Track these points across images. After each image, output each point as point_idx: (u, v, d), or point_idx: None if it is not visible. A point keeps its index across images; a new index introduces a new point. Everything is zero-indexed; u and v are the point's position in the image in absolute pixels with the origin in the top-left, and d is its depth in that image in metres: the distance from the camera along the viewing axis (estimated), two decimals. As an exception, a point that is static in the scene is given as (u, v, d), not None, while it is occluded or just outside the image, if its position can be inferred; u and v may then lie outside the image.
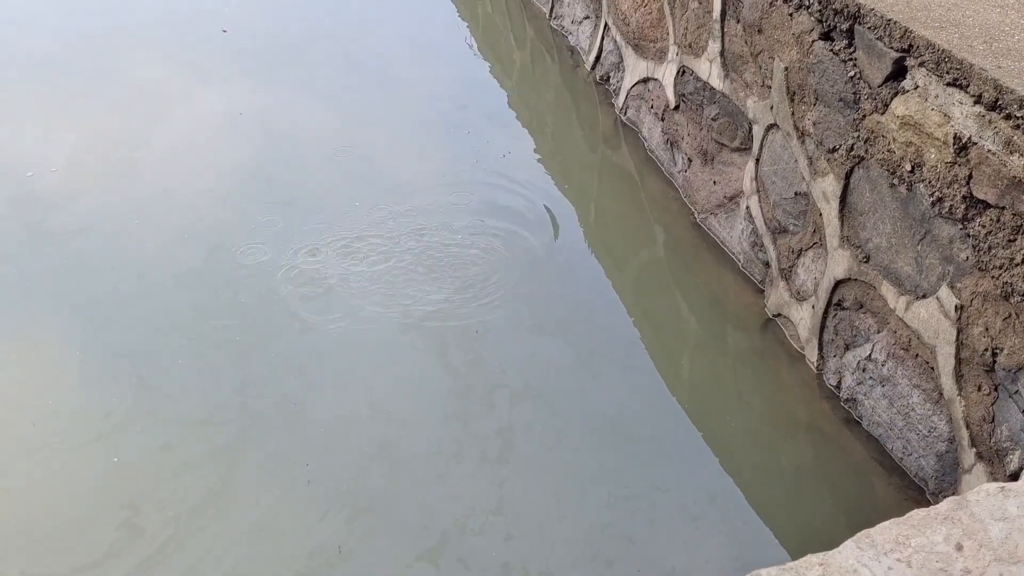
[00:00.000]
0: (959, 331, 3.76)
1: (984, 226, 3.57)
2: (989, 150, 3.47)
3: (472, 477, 4.34)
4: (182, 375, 4.88)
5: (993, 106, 3.44)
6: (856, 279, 4.46)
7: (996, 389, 3.63)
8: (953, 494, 3.90)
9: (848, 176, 4.42)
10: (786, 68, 4.83)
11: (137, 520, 4.13)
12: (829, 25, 4.40)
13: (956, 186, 3.66)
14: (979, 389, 3.71)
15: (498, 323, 5.27)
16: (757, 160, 5.33)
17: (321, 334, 5.16)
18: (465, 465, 4.39)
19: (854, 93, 4.25)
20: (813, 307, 4.81)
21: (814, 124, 4.63)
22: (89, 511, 4.18)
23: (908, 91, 3.90)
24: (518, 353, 5.07)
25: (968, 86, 3.56)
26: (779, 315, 5.18)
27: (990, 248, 3.56)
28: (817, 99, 4.58)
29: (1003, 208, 3.47)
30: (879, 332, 4.35)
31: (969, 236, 3.66)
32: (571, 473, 4.36)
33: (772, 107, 5.06)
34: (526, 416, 4.65)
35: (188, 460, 4.39)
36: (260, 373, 4.88)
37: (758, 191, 5.34)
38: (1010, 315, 3.50)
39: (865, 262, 4.37)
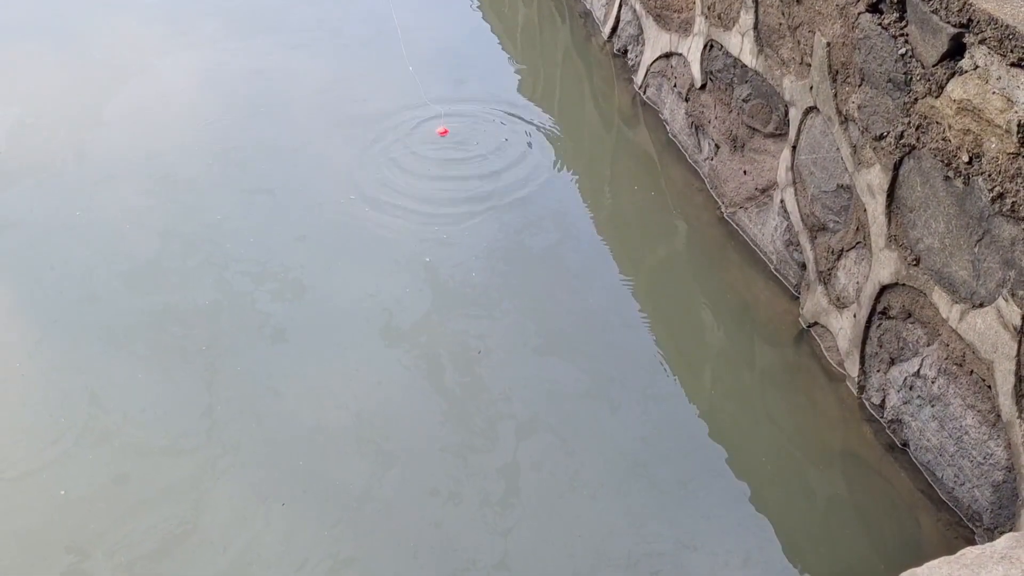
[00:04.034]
0: (1021, 345, 3.75)
1: (1051, 227, 3.57)
2: (1058, 140, 3.46)
3: (472, 524, 4.28)
4: (140, 393, 4.82)
5: (1063, 90, 3.44)
6: (904, 284, 4.45)
7: (1062, 412, 3.63)
8: (1011, 530, 3.89)
9: (897, 167, 4.41)
10: (828, 44, 4.83)
11: (85, 567, 4.07)
12: (878, -5, 4.40)
13: (1020, 180, 3.65)
14: (1042, 412, 3.71)
15: (500, 339, 5.23)
16: (794, 148, 5.33)
17: (296, 344, 5.13)
18: (464, 509, 4.34)
19: (905, 73, 4.24)
20: (855, 316, 4.80)
21: (859, 108, 4.63)
22: (29, 555, 4.11)
23: (967, 72, 3.89)
24: (524, 377, 5.02)
25: (1035, 67, 3.56)
26: (816, 324, 5.17)
27: (1057, 252, 3.56)
28: (863, 79, 4.57)
29: (1073, 206, 3.46)
30: (929, 345, 4.34)
31: (1033, 238, 3.66)
32: (586, 524, 4.30)
33: (812, 88, 5.05)
34: (534, 453, 4.60)
35: (146, 495, 4.34)
36: (229, 393, 4.84)
37: (794, 183, 5.34)
38: (1079, 328, 3.50)
39: (915, 265, 4.37)
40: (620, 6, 7.74)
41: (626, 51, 7.67)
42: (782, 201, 5.46)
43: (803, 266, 5.33)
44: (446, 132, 6.63)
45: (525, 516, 4.31)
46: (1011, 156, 3.67)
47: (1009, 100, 3.66)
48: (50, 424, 4.65)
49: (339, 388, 4.89)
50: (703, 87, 6.39)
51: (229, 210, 6.09)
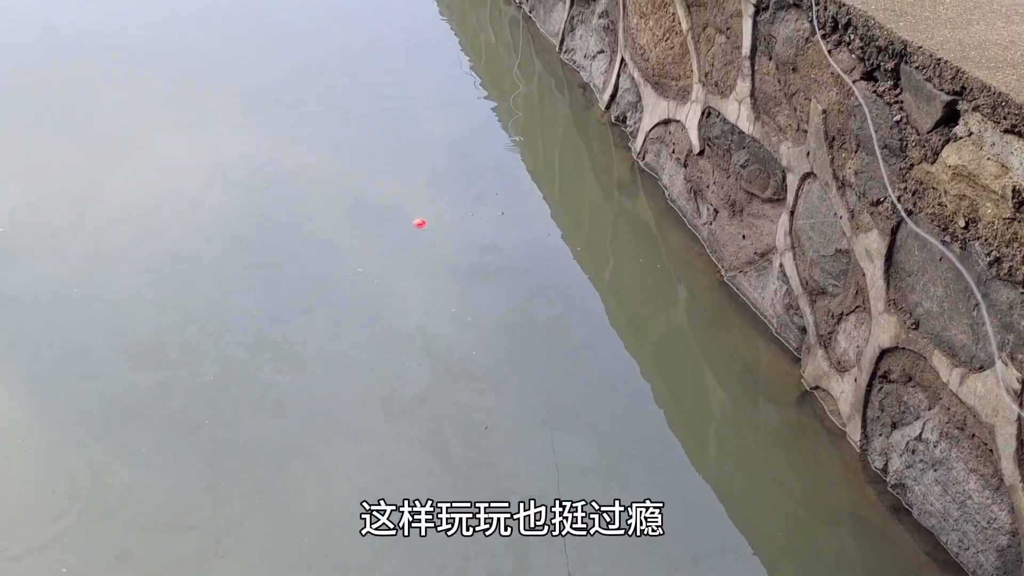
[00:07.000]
0: (1022, 408, 3.75)
1: (1048, 290, 3.58)
2: (1052, 205, 3.49)
3: None
4: (142, 468, 4.77)
5: (1056, 156, 3.47)
6: (904, 348, 4.46)
7: (1064, 475, 3.62)
8: (1017, 596, 3.87)
9: (894, 232, 4.44)
10: (824, 111, 4.88)
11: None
12: (872, 64, 4.45)
13: (1016, 245, 3.67)
14: (1045, 475, 3.70)
15: (505, 413, 5.19)
16: (792, 212, 5.36)
17: (298, 419, 5.10)
18: None
19: (900, 140, 4.28)
20: (856, 379, 4.80)
21: (856, 173, 4.66)
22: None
23: (961, 138, 3.92)
24: (531, 451, 4.96)
25: (1028, 134, 3.59)
26: (817, 388, 5.17)
27: (1055, 315, 3.57)
28: (859, 146, 4.61)
29: (1069, 270, 3.48)
30: (930, 409, 4.34)
31: (1031, 301, 3.67)
32: None
33: (808, 154, 5.09)
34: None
35: (149, 573, 4.27)
36: (232, 467, 4.79)
37: (793, 247, 5.36)
38: (1079, 391, 3.50)
39: (914, 329, 4.38)
40: (619, 74, 7.83)
41: (624, 118, 7.74)
42: (781, 265, 5.48)
43: (803, 330, 5.34)
44: (423, 224, 6.63)
45: None
46: (1007, 221, 3.70)
47: (1004, 166, 3.69)
48: (52, 501, 4.58)
49: (342, 463, 4.84)
50: (701, 153, 6.44)
51: (232, 284, 6.09)
